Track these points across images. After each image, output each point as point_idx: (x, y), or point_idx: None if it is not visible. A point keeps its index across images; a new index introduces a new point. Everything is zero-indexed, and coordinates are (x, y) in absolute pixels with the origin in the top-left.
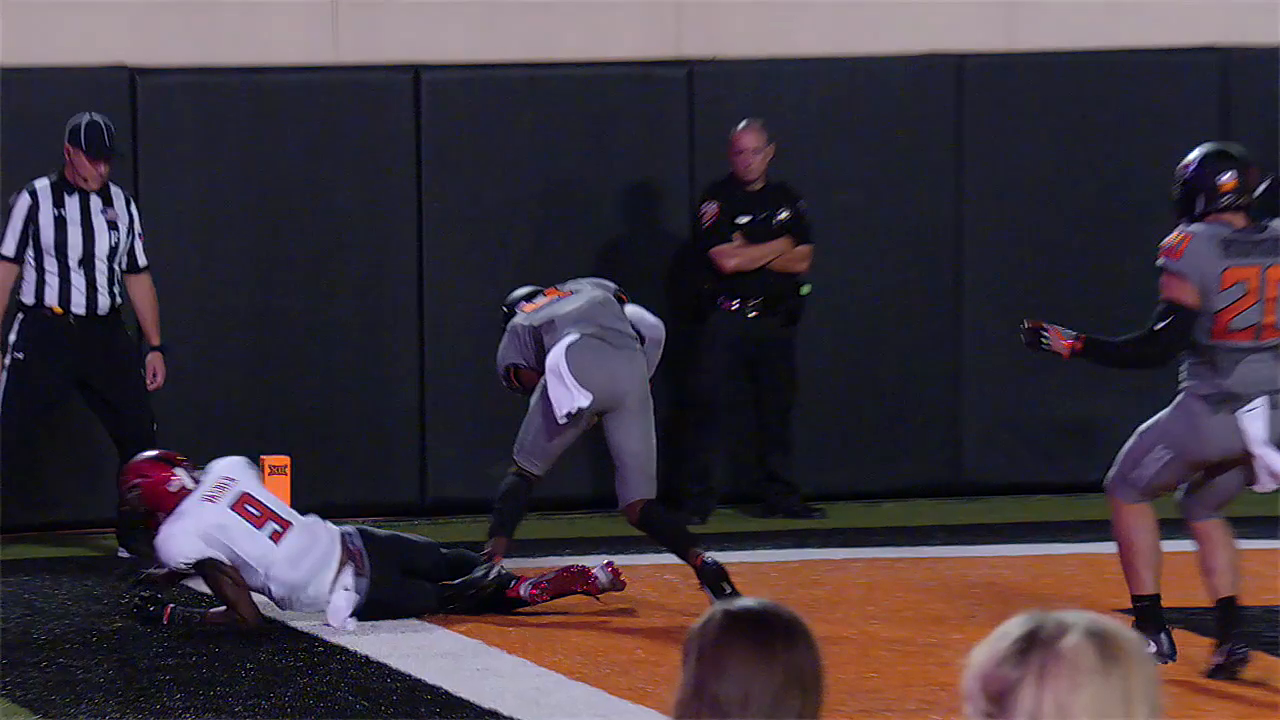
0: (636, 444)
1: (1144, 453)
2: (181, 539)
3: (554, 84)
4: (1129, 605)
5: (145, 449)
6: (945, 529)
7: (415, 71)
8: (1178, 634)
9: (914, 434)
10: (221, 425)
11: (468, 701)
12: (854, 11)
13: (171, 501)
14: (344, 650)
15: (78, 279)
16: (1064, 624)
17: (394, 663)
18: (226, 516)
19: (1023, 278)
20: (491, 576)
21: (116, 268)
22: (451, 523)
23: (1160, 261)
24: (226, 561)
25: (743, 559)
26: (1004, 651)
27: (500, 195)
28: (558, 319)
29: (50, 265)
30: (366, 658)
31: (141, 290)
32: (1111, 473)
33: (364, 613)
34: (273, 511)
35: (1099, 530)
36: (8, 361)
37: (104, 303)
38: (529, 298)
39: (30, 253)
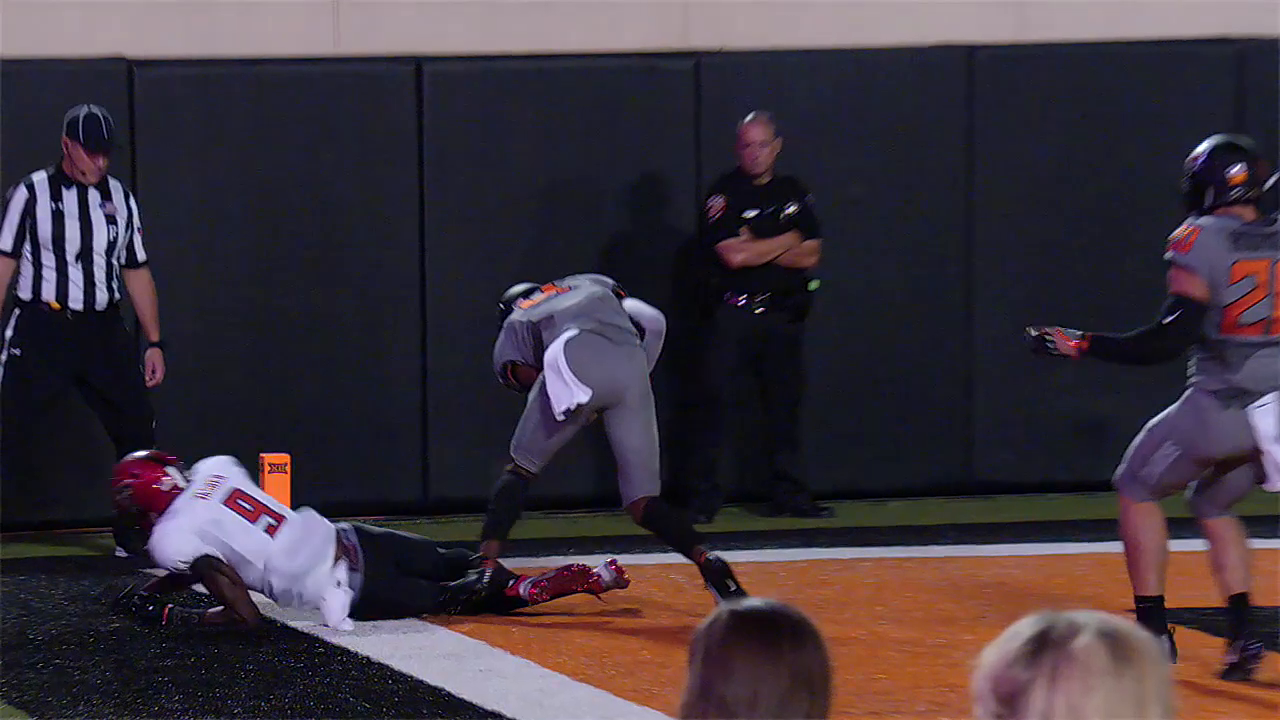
0: (638, 440)
1: (1153, 449)
2: (176, 537)
3: (558, 76)
4: None
5: (144, 447)
6: (955, 528)
7: (417, 63)
8: (1190, 634)
9: (923, 431)
10: (221, 422)
11: (470, 703)
12: (862, 2)
13: (164, 501)
14: (345, 651)
15: (75, 274)
16: (1076, 624)
17: (395, 664)
18: (220, 512)
19: (1034, 272)
20: (484, 582)
21: (115, 262)
22: (453, 521)
23: (1169, 255)
24: (223, 559)
25: (750, 558)
26: (1015, 652)
27: (503, 189)
28: (556, 314)
29: (48, 260)
30: (367, 659)
31: (140, 285)
32: (1120, 470)
33: (359, 610)
34: (265, 506)
35: (1111, 529)
36: (4, 358)
37: (102, 298)
38: (526, 294)
39: (27, 247)
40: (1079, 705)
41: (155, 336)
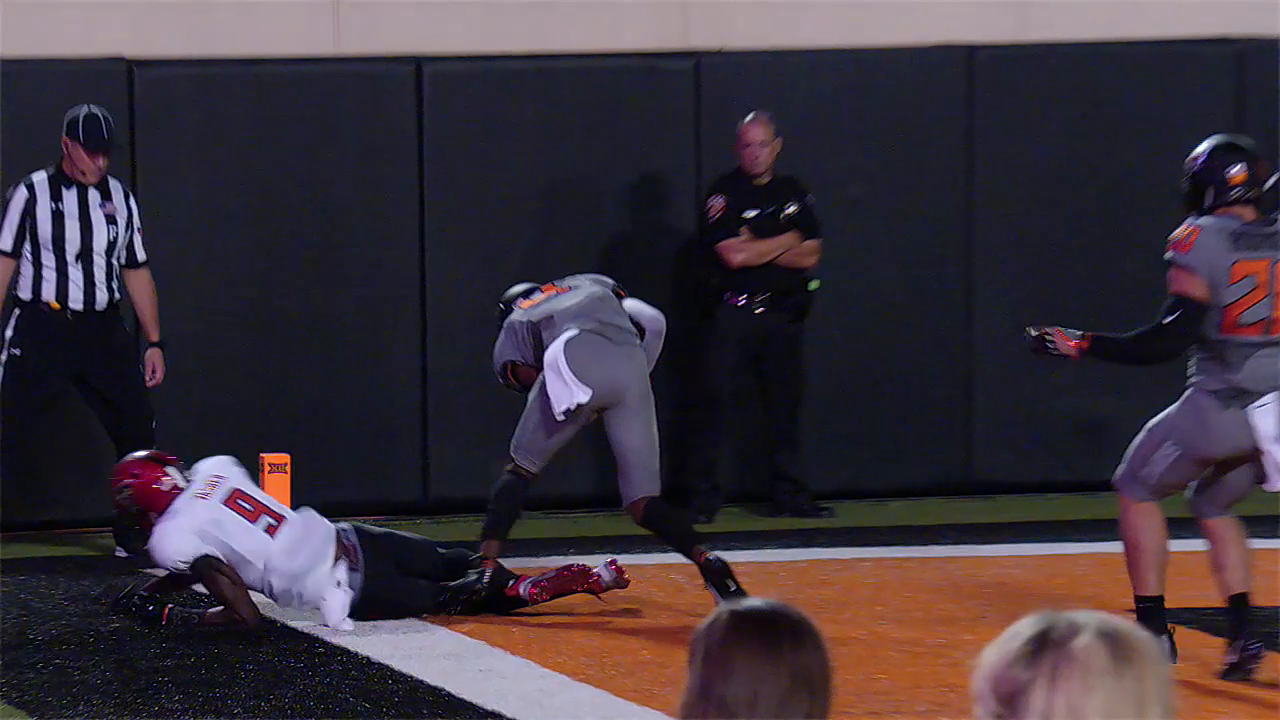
0: (638, 440)
1: (1153, 449)
2: (177, 537)
3: (558, 76)
4: None
5: (144, 447)
6: (955, 528)
7: (417, 63)
8: (1191, 634)
9: (923, 431)
10: (221, 422)
11: (470, 703)
12: (862, 2)
13: (164, 501)
14: (345, 651)
15: (75, 274)
16: (1076, 624)
17: (395, 664)
18: (220, 512)
19: (1035, 272)
20: (484, 582)
21: (115, 262)
22: (454, 521)
23: (1169, 255)
24: (223, 559)
25: (750, 558)
26: (1015, 652)
27: (503, 189)
28: (557, 314)
29: (48, 260)
30: (368, 659)
31: (140, 285)
32: (1120, 470)
33: (359, 610)
34: (265, 506)
35: (1111, 529)
36: (4, 358)
37: (102, 298)
38: (526, 294)
39: (27, 247)
40: (1079, 705)
41: (155, 336)
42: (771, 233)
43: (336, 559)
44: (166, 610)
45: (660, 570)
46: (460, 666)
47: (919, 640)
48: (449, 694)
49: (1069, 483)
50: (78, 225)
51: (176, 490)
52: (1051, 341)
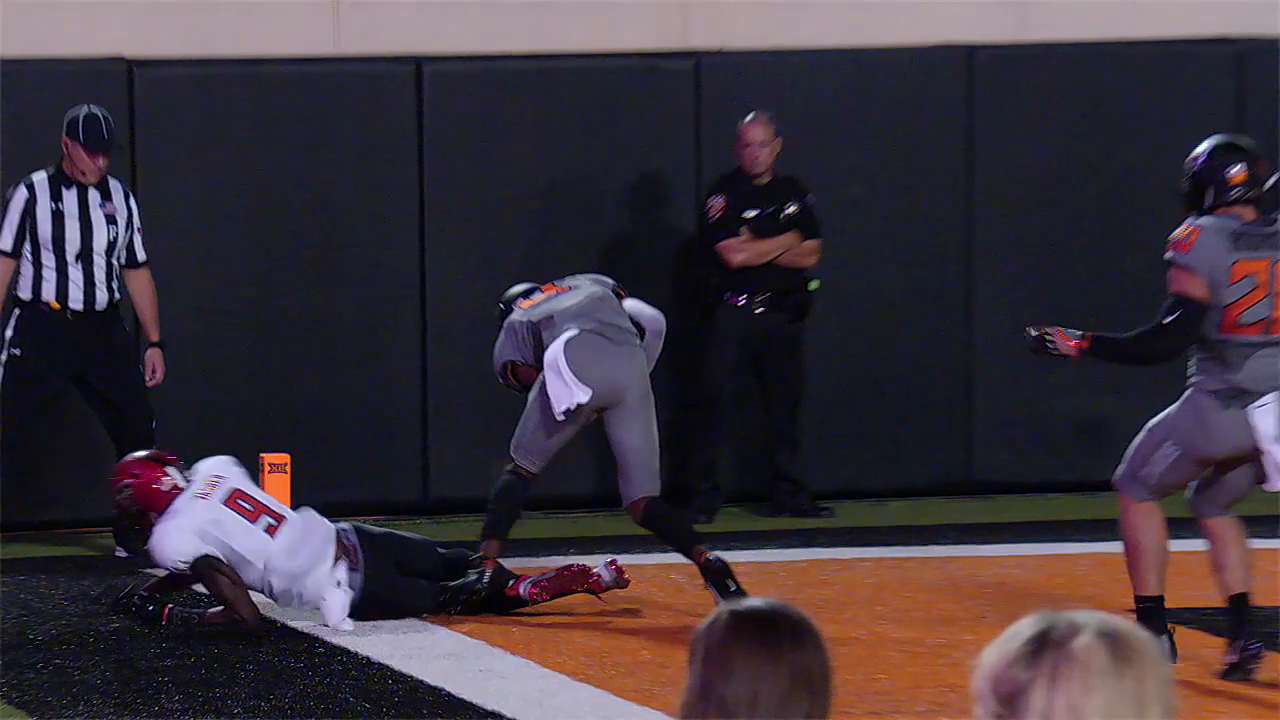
0: (638, 440)
1: (1153, 449)
2: (177, 537)
3: (558, 76)
4: None
5: (144, 447)
6: (955, 528)
7: (417, 63)
8: (1191, 634)
9: (923, 431)
10: (221, 422)
11: (470, 703)
12: (862, 2)
13: (164, 501)
14: (345, 651)
15: (75, 274)
16: (1076, 624)
17: (395, 664)
18: (220, 512)
19: (1035, 272)
20: (484, 582)
21: (115, 262)
22: (454, 521)
23: (1169, 255)
24: (223, 559)
25: (750, 558)
26: (1015, 652)
27: (503, 189)
28: (557, 314)
29: (47, 260)
30: (368, 659)
31: (140, 285)
32: (1120, 470)
33: (359, 610)
34: (265, 506)
35: (1111, 529)
36: (4, 358)
37: (102, 298)
38: (526, 294)
39: (27, 247)
40: (1079, 705)
41: (155, 336)
42: (771, 233)
43: (336, 559)
44: (166, 610)
45: (660, 570)
46: (460, 666)
47: (919, 640)
48: (449, 694)
49: (1069, 483)
50: (78, 225)
51: (176, 490)
52: (1051, 341)
